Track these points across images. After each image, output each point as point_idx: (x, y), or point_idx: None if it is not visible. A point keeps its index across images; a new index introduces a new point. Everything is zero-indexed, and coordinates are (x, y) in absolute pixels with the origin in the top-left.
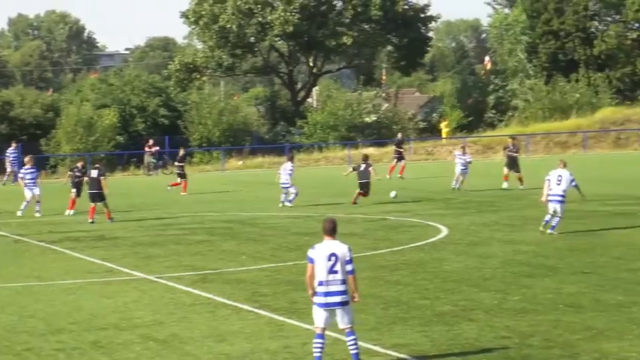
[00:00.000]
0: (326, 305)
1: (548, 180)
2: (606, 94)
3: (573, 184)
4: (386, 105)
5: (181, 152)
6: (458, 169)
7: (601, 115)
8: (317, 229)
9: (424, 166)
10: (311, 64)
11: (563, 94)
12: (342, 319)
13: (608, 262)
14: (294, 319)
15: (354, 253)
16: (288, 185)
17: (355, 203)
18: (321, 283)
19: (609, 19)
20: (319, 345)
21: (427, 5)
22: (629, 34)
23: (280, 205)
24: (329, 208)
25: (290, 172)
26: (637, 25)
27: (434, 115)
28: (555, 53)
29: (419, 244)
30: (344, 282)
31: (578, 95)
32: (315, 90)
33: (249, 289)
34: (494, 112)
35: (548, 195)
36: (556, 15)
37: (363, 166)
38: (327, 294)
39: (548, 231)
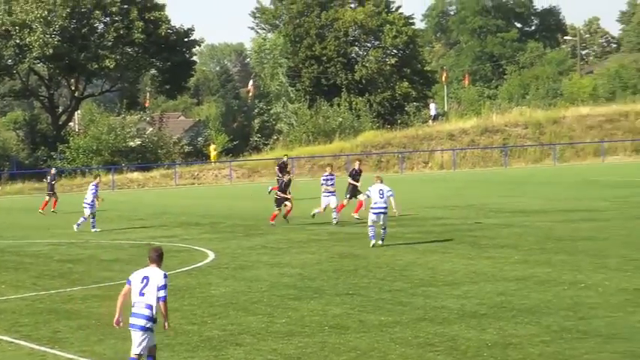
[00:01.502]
0: (131, 326)
1: (368, 195)
2: (367, 118)
3: (390, 194)
4: (150, 129)
5: (53, 171)
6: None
7: (363, 139)
8: (81, 256)
9: (190, 190)
10: (72, 88)
11: (327, 118)
12: (138, 344)
13: (371, 283)
14: (56, 349)
15: (116, 281)
16: (86, 205)
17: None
18: (133, 305)
19: (369, 45)
20: None
21: (190, 29)
22: (387, 59)
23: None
24: (94, 235)
25: (92, 191)
26: (395, 51)
27: (199, 139)
28: (318, 78)
29: (186, 269)
30: (150, 307)
31: (340, 119)
32: (77, 114)
33: (9, 319)
34: (259, 135)
35: (372, 208)
36: (318, 40)
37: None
38: (133, 315)
39: (379, 242)
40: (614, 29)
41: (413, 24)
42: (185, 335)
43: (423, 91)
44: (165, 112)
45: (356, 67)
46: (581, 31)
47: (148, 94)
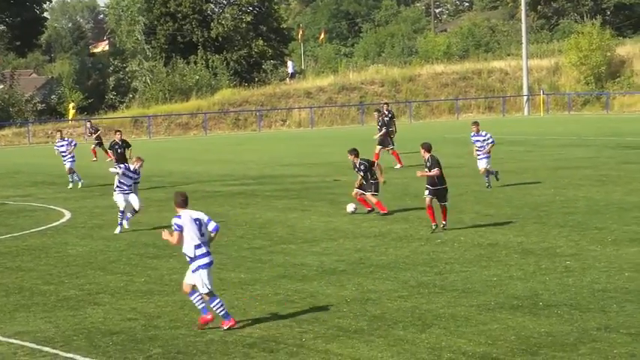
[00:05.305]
0: (208, 265)
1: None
2: (224, 76)
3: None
4: (1, 87)
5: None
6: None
7: (220, 97)
8: None
9: (44, 149)
10: None
11: (183, 76)
12: (210, 280)
13: (230, 241)
14: None
15: None
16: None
17: None
18: (199, 246)
19: (224, 2)
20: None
21: None
22: (243, 17)
23: None
24: None
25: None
26: (250, 8)
27: (53, 96)
28: (174, 35)
29: (41, 228)
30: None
31: (197, 77)
32: None
33: None
34: (114, 93)
35: None
36: None
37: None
38: (205, 255)
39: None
40: None
41: None
42: (42, 295)
43: (280, 49)
44: (17, 70)
45: (212, 24)
46: None
47: None
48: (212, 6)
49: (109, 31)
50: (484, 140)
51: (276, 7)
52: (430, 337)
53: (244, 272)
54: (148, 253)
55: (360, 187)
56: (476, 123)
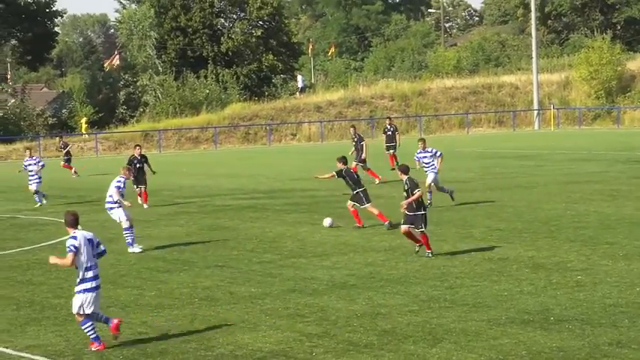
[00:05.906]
0: (99, 287)
1: None
2: (235, 90)
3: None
4: (13, 100)
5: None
6: (430, 176)
7: (230, 111)
8: None
9: (55, 163)
10: None
11: (193, 90)
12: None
13: (241, 255)
14: None
15: None
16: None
17: None
18: (90, 268)
19: (234, 16)
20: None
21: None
22: (253, 31)
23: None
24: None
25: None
26: (260, 22)
27: (64, 110)
28: (184, 49)
29: (52, 242)
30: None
31: (207, 91)
32: None
33: None
34: (125, 107)
35: None
36: (183, 12)
37: None
38: (97, 278)
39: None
40: (477, 2)
41: None
42: (52, 309)
43: (290, 63)
44: (28, 84)
45: (222, 38)
46: (445, 4)
47: (8, 65)
48: (222, 20)
49: (119, 45)
50: (432, 156)
51: (286, 21)
52: (441, 351)
53: (254, 286)
54: (158, 266)
55: (352, 199)
56: (422, 140)
